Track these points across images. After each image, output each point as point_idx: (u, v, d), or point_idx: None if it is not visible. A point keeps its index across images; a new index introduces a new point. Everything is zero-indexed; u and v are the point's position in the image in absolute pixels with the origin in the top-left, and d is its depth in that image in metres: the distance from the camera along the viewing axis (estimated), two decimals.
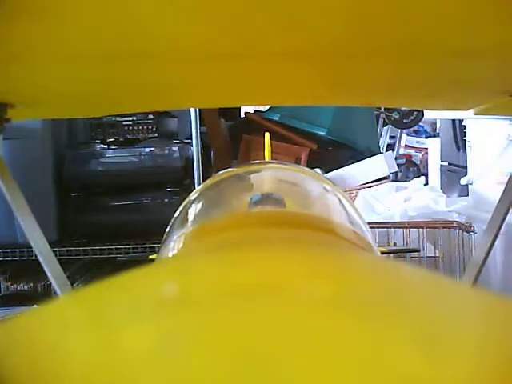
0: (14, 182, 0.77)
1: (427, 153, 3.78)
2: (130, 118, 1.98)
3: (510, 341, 0.21)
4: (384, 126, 3.55)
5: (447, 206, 1.86)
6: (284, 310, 0.21)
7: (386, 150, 3.42)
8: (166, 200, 1.90)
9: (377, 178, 2.38)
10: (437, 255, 1.71)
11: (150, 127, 2.00)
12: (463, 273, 1.14)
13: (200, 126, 2.01)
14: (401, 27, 0.41)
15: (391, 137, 3.81)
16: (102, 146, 2.02)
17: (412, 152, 4.16)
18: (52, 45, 0.44)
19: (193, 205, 0.66)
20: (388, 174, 2.44)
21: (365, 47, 0.46)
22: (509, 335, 0.21)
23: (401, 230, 1.72)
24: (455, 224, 1.71)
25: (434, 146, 3.50)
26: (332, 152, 2.57)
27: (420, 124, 3.68)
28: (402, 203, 1.91)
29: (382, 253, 1.19)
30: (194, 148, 1.94)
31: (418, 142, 4.23)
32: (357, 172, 2.38)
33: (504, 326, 0.22)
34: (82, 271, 1.94)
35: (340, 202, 0.64)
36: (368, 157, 2.45)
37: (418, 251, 1.66)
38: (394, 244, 1.69)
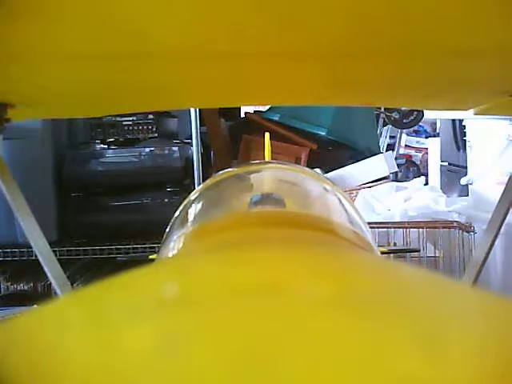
0: (13, 182, 0.77)
1: (427, 153, 3.78)
2: (130, 118, 1.98)
3: (509, 341, 0.21)
4: (384, 125, 3.55)
5: (447, 206, 1.86)
6: (284, 310, 0.21)
7: (386, 150, 3.42)
8: (166, 200, 1.90)
9: (377, 177, 2.37)
10: (437, 255, 1.71)
11: (150, 127, 2.00)
12: (463, 273, 1.14)
13: (200, 125, 2.01)
14: (401, 27, 0.41)
15: (391, 137, 3.81)
16: (102, 145, 2.02)
17: (412, 152, 4.16)
18: (52, 45, 0.44)
19: (193, 205, 0.66)
20: (388, 174, 2.44)
21: (365, 47, 0.46)
22: (509, 335, 0.21)
23: (401, 230, 1.72)
24: (455, 224, 1.71)
25: (434, 146, 3.50)
26: (332, 152, 2.57)
27: (420, 124, 3.68)
28: (402, 203, 1.91)
29: (382, 253, 1.19)
30: (194, 148, 1.94)
31: (418, 141, 4.23)
32: (357, 172, 2.38)
33: (504, 326, 0.22)
34: (81, 271, 1.94)
35: (340, 201, 0.64)
36: (368, 157, 2.45)
37: (418, 251, 1.66)
38: (394, 244, 1.69)
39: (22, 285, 1.91)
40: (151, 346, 0.19)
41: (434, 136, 3.84)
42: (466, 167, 2.64)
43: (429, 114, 3.04)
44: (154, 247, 1.78)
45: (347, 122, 2.50)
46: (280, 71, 0.56)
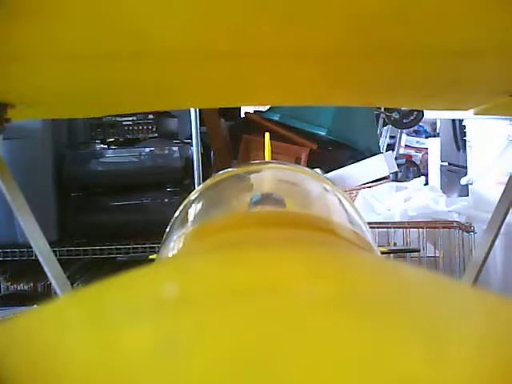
0: (13, 182, 0.77)
1: (427, 153, 3.78)
2: (130, 118, 1.98)
3: (510, 341, 0.21)
4: (384, 125, 3.55)
5: (447, 206, 1.86)
6: (284, 310, 0.21)
7: (386, 150, 3.42)
8: (166, 200, 1.90)
9: (377, 178, 2.38)
10: (437, 255, 1.71)
11: (150, 127, 2.00)
12: (463, 273, 1.14)
13: (200, 125, 2.01)
14: (401, 27, 0.41)
15: (391, 137, 3.81)
16: (102, 145, 2.02)
17: (412, 152, 4.16)
18: (52, 45, 0.44)
19: (193, 205, 0.66)
20: (388, 174, 2.44)
21: (365, 47, 0.46)
22: (509, 335, 0.21)
23: (401, 230, 1.72)
24: (455, 224, 1.71)
25: (434, 145, 3.50)
26: (332, 152, 2.57)
27: (420, 124, 3.68)
28: (402, 203, 1.91)
29: (382, 253, 1.19)
30: (194, 148, 1.94)
31: (418, 141, 4.23)
32: (357, 172, 2.38)
33: (504, 326, 0.22)
34: (81, 271, 1.94)
35: (340, 202, 0.64)
36: (368, 157, 2.45)
37: (418, 251, 1.66)
38: (394, 244, 1.69)
39: (22, 285, 1.91)
40: (151, 346, 0.19)
41: (434, 136, 3.84)
42: (466, 167, 2.64)
43: (429, 114, 3.04)
44: (154, 247, 1.78)
45: (347, 122, 2.50)
46: (280, 71, 0.56)
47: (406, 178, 3.22)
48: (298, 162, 2.34)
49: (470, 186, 2.43)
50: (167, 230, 0.64)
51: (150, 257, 1.33)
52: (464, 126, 2.69)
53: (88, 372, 0.18)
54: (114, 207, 1.94)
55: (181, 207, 0.67)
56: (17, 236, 1.74)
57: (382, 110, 3.02)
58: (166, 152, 1.94)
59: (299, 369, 0.17)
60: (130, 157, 1.94)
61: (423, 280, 0.28)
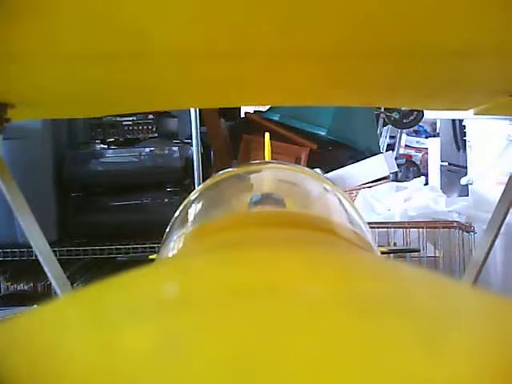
0: (13, 182, 0.77)
1: (427, 153, 3.78)
2: (130, 118, 1.98)
3: (510, 341, 0.21)
4: (384, 126, 3.55)
5: (447, 206, 1.86)
6: (284, 310, 0.21)
7: (386, 150, 3.42)
8: (166, 200, 1.90)
9: (377, 177, 2.38)
10: (437, 255, 1.71)
11: (150, 127, 2.00)
12: (463, 273, 1.14)
13: (200, 125, 2.01)
14: (401, 27, 0.41)
15: (391, 137, 3.81)
16: (102, 145, 2.02)
17: (412, 152, 4.16)
18: (52, 45, 0.44)
19: (193, 205, 0.66)
20: (388, 174, 2.44)
21: (365, 47, 0.46)
22: (509, 335, 0.21)
23: (401, 230, 1.72)
24: (455, 224, 1.71)
25: (434, 145, 3.50)
26: (332, 152, 2.57)
27: (420, 124, 3.68)
28: (402, 203, 1.91)
29: (382, 253, 1.19)
30: (194, 148, 1.94)
31: (418, 142, 4.23)
32: (357, 172, 2.38)
33: (504, 326, 0.22)
34: (82, 271, 1.94)
35: (340, 201, 0.64)
36: (368, 157, 2.45)
37: (418, 251, 1.66)
38: (394, 244, 1.70)
39: (22, 285, 1.91)
40: (151, 346, 0.19)
41: (434, 136, 3.84)
42: (466, 167, 2.64)
43: (429, 114, 3.04)
44: (154, 247, 1.78)
45: (347, 122, 2.50)
46: (280, 71, 0.56)
47: (406, 178, 3.22)
48: (298, 162, 2.34)
49: (470, 186, 2.43)
50: (167, 230, 0.64)
51: (150, 257, 1.33)
52: (464, 126, 2.69)
53: (88, 372, 0.18)
54: (114, 207, 1.94)
55: (181, 207, 0.67)
56: (17, 236, 1.74)
57: (382, 110, 3.02)
58: (166, 152, 1.94)
59: (299, 369, 0.17)
60: (130, 157, 1.94)
61: (423, 280, 0.28)
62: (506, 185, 0.79)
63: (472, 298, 0.26)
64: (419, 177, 2.53)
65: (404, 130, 3.70)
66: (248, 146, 2.49)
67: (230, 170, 0.79)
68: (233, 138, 2.57)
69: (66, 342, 0.21)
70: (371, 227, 1.26)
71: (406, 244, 1.70)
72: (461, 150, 2.98)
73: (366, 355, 0.18)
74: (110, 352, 0.20)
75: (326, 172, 2.32)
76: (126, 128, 1.99)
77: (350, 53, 0.48)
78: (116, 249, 1.87)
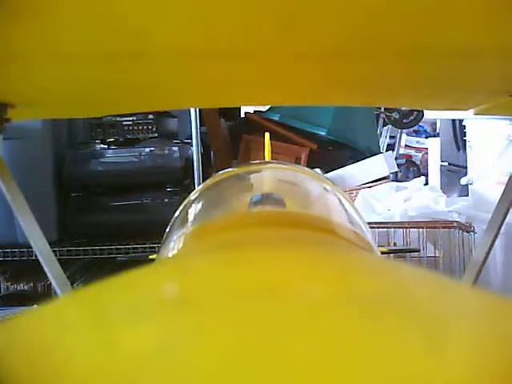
0: (13, 182, 0.77)
1: (427, 153, 3.78)
2: (130, 118, 1.98)
3: (510, 341, 0.21)
4: (384, 126, 3.55)
5: (447, 206, 1.86)
6: (284, 310, 0.21)
7: (386, 150, 3.42)
8: (166, 200, 1.90)
9: (377, 178, 2.38)
10: (437, 255, 1.71)
11: (150, 127, 2.00)
12: (463, 273, 1.14)
13: (200, 125, 2.01)
14: (401, 27, 0.41)
15: (391, 137, 3.81)
16: (102, 145, 2.02)
17: (412, 152, 4.16)
18: (52, 45, 0.44)
19: (193, 205, 0.66)
20: (388, 174, 2.44)
21: (365, 47, 0.46)
22: (509, 335, 0.21)
23: (401, 230, 1.72)
24: (455, 224, 1.71)
25: (434, 145, 3.50)
26: (332, 152, 2.57)
27: (420, 124, 3.68)
28: (402, 203, 1.91)
29: (382, 253, 1.19)
30: (194, 148, 1.94)
31: (418, 142, 4.23)
32: (357, 172, 2.38)
33: (504, 326, 0.22)
34: (82, 271, 1.94)
35: (340, 201, 0.64)
36: (368, 157, 2.45)
37: (418, 251, 1.66)
38: (394, 244, 1.70)
39: (22, 285, 1.91)
40: (151, 346, 0.19)
41: (434, 136, 3.84)
42: (466, 167, 2.64)
43: (429, 114, 3.04)
44: (154, 247, 1.78)
45: (347, 122, 2.50)
46: (280, 71, 0.56)
47: (406, 178, 3.22)
48: (298, 162, 2.34)
49: (470, 186, 2.43)
50: (167, 230, 0.64)
51: (150, 257, 1.33)
52: (464, 126, 2.69)
53: (88, 372, 0.18)
54: (114, 207, 1.94)
55: (181, 207, 0.67)
56: (17, 236, 1.74)
57: (382, 110, 3.02)
58: (166, 152, 1.94)
59: (299, 369, 0.17)
60: (130, 157, 1.94)
61: (423, 280, 0.28)
62: (506, 185, 0.79)
63: (472, 298, 0.26)
64: (419, 177, 2.53)
65: (404, 130, 3.70)
66: (248, 145, 2.48)
67: (230, 170, 0.79)
68: (233, 138, 2.57)
69: (65, 342, 0.21)
70: (371, 227, 1.26)
71: (406, 244, 1.70)
72: (461, 150, 2.98)
73: (366, 355, 0.18)
74: (110, 352, 0.20)
75: (326, 172, 2.32)
76: (125, 128, 1.99)
77: (350, 53, 0.48)
78: (116, 249, 1.87)
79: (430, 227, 1.71)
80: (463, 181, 2.46)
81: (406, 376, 0.17)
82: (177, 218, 0.65)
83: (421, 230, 1.70)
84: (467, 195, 2.32)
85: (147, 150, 1.94)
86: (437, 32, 0.42)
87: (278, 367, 0.17)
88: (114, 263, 1.78)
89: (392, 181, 2.43)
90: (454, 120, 3.02)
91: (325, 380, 0.17)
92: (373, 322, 0.21)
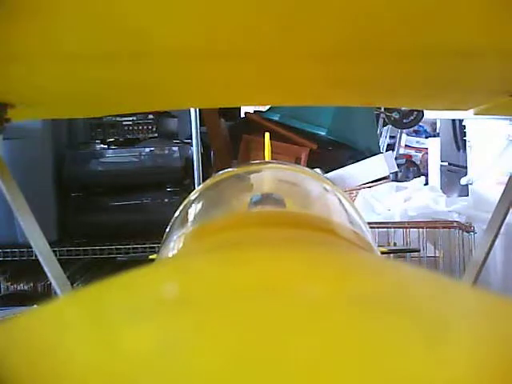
0: (13, 182, 0.77)
1: (427, 153, 3.78)
2: (130, 118, 1.98)
3: (510, 341, 0.21)
4: (384, 125, 3.55)
5: (447, 206, 1.86)
6: (284, 310, 0.21)
7: (386, 150, 3.42)
8: (166, 200, 1.91)
9: (377, 178, 2.38)
10: (437, 255, 1.71)
11: (150, 127, 2.00)
12: (463, 273, 1.14)
13: (200, 125, 2.01)
14: (401, 27, 0.41)
15: (391, 137, 3.81)
16: (102, 145, 2.02)
17: (412, 152, 4.16)
18: (52, 45, 0.44)
19: (193, 205, 0.66)
20: (388, 174, 2.44)
21: (365, 47, 0.46)
22: (509, 335, 0.21)
23: (401, 230, 1.72)
24: (455, 224, 1.71)
25: (434, 145, 3.50)
26: (332, 152, 2.57)
27: (420, 124, 3.68)
28: (402, 203, 1.91)
29: (382, 253, 1.19)
30: (194, 148, 1.94)
31: (418, 142, 4.23)
32: (357, 172, 2.38)
33: (504, 326, 0.22)
34: (82, 271, 1.94)
35: (340, 201, 0.64)
36: (368, 157, 2.46)
37: (418, 251, 1.66)
38: (394, 244, 1.70)
39: (22, 285, 1.91)
40: (151, 346, 0.19)
41: (434, 136, 3.84)
42: (466, 167, 2.64)
43: (429, 114, 3.04)
44: (154, 247, 1.78)
45: (347, 122, 2.50)
46: (280, 71, 0.56)
47: (406, 178, 3.22)
48: (298, 162, 2.34)
49: (470, 186, 2.43)
50: (167, 230, 0.64)
51: (150, 257, 1.33)
52: (464, 126, 2.69)
53: (88, 372, 0.18)
54: (114, 207, 1.94)
55: (181, 207, 0.67)
56: (17, 236, 1.74)
57: (382, 110, 3.02)
58: (166, 152, 1.94)
59: (299, 369, 0.17)
60: (130, 157, 1.94)
61: (423, 280, 0.28)
62: (506, 185, 0.79)
63: (472, 298, 0.26)
64: (419, 177, 2.53)
65: (404, 130, 3.70)
66: (248, 145, 2.49)
67: (230, 169, 0.79)
68: (233, 137, 2.57)
69: (65, 342, 0.21)
70: (371, 227, 1.26)
71: (406, 244, 1.70)
72: (461, 150, 2.98)
73: (366, 355, 0.18)
74: (110, 352, 0.20)
75: (326, 172, 2.32)
76: (126, 128, 1.99)
77: (350, 53, 0.48)
78: (116, 249, 1.87)
79: (430, 227, 1.71)
80: (463, 181, 2.46)
81: (406, 376, 0.17)
82: (177, 218, 0.65)
83: (421, 229, 1.70)
84: (467, 195, 2.32)
85: (147, 149, 1.94)
86: (437, 32, 0.42)
87: (278, 367, 0.17)
88: (113, 263, 1.78)
89: (392, 181, 2.43)
90: (454, 120, 3.02)
91: (325, 380, 0.17)
92: (373, 322, 0.21)
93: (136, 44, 0.44)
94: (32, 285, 1.90)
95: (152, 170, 1.92)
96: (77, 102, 0.73)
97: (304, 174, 0.78)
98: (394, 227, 1.73)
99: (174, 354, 0.19)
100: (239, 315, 0.21)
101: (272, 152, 1.45)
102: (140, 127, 2.00)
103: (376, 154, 2.52)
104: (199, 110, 1.98)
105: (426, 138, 4.12)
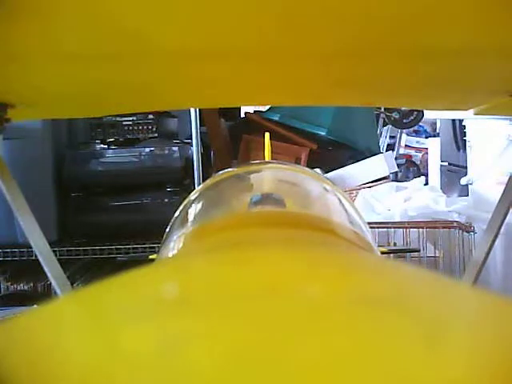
0: (14, 182, 0.77)
1: (427, 153, 3.78)
2: (130, 118, 1.98)
3: (510, 340, 0.21)
4: (384, 126, 3.55)
5: (447, 206, 1.86)
6: (284, 310, 0.21)
7: (386, 150, 3.42)
8: (166, 200, 1.91)
9: (377, 178, 2.38)
10: (437, 255, 1.71)
11: (150, 127, 2.00)
12: (463, 273, 1.14)
13: (200, 125, 2.01)
14: (401, 27, 0.41)
15: (391, 137, 3.81)
16: (102, 145, 2.02)
17: (412, 152, 4.16)
18: (52, 45, 0.44)
19: (193, 205, 0.66)
20: (388, 174, 2.44)
21: (365, 47, 0.46)
22: (509, 335, 0.21)
23: (401, 230, 1.72)
24: (455, 224, 1.71)
25: (434, 145, 3.50)
26: (332, 152, 2.57)
27: (420, 124, 3.68)
28: (402, 203, 1.91)
29: (382, 253, 1.19)
30: (194, 148, 1.94)
31: (418, 142, 4.23)
32: (357, 172, 2.38)
33: (504, 326, 0.22)
34: (82, 271, 1.94)
35: (340, 201, 0.64)
36: (368, 157, 2.46)
37: (418, 251, 1.66)
38: (394, 244, 1.70)
39: (22, 285, 1.91)
40: (151, 346, 0.19)
41: (434, 136, 3.84)
42: (466, 167, 2.64)
43: (429, 114, 3.04)
44: (154, 247, 1.78)
45: (347, 122, 2.50)
46: (280, 71, 0.56)
47: (406, 178, 3.22)
48: (298, 162, 2.34)
49: (470, 186, 2.43)
50: (167, 230, 0.64)
51: (150, 257, 1.33)
52: (464, 126, 2.69)
53: (87, 372, 0.18)
54: (114, 207, 1.94)
55: (181, 207, 0.67)
56: (17, 236, 1.74)
57: (382, 110, 3.02)
58: (166, 152, 1.94)
59: (300, 369, 0.17)
60: (130, 157, 1.94)
61: (423, 280, 0.28)
62: (506, 185, 0.79)
63: (472, 298, 0.26)
64: (419, 177, 2.53)
65: (404, 130, 3.70)
66: (248, 145, 2.49)
67: (230, 170, 0.79)
68: (233, 138, 2.57)
69: (65, 343, 0.21)
70: (371, 227, 1.26)
71: (406, 244, 1.70)
72: (461, 150, 2.98)
73: (367, 356, 0.18)
74: (110, 352, 0.20)
75: (326, 172, 2.32)
76: (125, 128, 1.99)
77: (350, 53, 0.48)
78: (116, 249, 1.87)
79: (430, 227, 1.71)
80: (463, 181, 2.46)
81: (407, 376, 0.17)
82: (177, 218, 0.65)
83: (421, 229, 1.70)
84: (467, 195, 2.32)
85: (147, 149, 1.94)
86: (437, 32, 0.42)
87: (278, 367, 0.17)
88: (114, 263, 1.78)
89: (392, 181, 2.43)
90: (454, 120, 3.02)
91: (325, 380, 0.17)
92: (373, 322, 0.21)
93: (136, 44, 0.44)
94: (32, 285, 1.90)
95: (152, 170, 1.92)
96: (77, 102, 0.73)
97: (304, 174, 0.78)
98: (394, 227, 1.73)
99: (174, 354, 0.19)
100: (239, 315, 0.21)
101: (272, 152, 1.45)
102: (140, 127, 2.00)
103: (376, 154, 2.52)
104: (199, 110, 1.98)
105: (426, 137, 4.12)
